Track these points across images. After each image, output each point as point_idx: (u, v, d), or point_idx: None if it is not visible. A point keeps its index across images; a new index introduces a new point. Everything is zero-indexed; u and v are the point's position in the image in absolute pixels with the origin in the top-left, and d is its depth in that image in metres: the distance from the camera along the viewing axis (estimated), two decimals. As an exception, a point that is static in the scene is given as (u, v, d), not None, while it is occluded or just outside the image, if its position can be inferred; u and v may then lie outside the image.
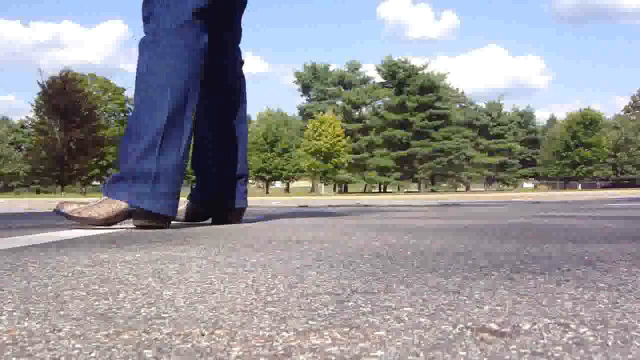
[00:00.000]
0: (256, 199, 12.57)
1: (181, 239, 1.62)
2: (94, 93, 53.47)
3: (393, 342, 0.51)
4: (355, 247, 1.33)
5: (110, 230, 2.06)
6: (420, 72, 54.72)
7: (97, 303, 0.71)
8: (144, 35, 2.13)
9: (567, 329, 0.55)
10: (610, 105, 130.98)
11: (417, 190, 55.71)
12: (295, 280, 0.87)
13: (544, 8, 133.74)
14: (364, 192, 53.87)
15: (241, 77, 2.51)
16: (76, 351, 0.50)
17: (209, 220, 2.50)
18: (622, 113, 67.21)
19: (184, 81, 2.07)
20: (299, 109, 58.27)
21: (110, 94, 58.46)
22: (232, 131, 2.44)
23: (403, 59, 55.46)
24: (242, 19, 2.51)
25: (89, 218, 2.04)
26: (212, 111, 2.42)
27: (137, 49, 2.13)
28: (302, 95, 58.24)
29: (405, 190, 55.74)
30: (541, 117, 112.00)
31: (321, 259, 1.12)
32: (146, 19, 2.13)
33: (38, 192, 55.08)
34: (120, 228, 2.11)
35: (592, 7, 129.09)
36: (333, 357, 0.47)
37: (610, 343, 0.50)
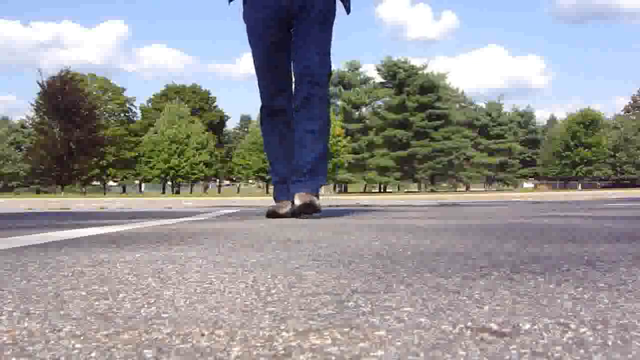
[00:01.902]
0: (256, 198, 12.56)
1: (181, 239, 1.62)
2: (94, 93, 53.49)
3: (393, 342, 0.51)
4: (355, 247, 1.33)
5: (110, 230, 2.07)
6: (420, 72, 54.70)
7: (97, 303, 0.71)
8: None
9: (567, 329, 0.55)
10: (610, 105, 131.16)
11: (417, 190, 55.70)
12: (295, 280, 0.87)
13: (544, 8, 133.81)
14: (364, 192, 53.87)
15: None
16: (76, 351, 0.50)
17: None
18: (622, 113, 67.23)
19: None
20: (299, 109, 58.03)
21: (110, 94, 58.47)
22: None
23: (403, 59, 55.47)
24: None
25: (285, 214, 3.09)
26: None
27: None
28: (302, 95, 58.24)
29: (405, 190, 55.74)
30: (541, 117, 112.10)
31: (321, 258, 1.12)
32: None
33: (38, 192, 55.09)
34: (126, 228, 2.11)
35: (592, 7, 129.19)
36: (333, 357, 0.47)
37: (610, 343, 0.50)
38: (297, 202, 2.85)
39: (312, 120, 3.08)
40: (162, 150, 49.90)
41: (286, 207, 3.10)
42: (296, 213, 2.90)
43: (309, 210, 2.86)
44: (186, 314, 0.64)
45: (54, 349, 0.50)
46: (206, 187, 63.38)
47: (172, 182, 52.98)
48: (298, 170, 3.10)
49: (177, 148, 50.13)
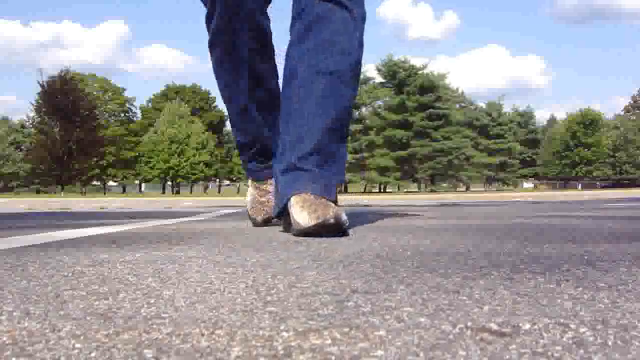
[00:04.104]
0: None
1: (181, 239, 1.62)
2: (94, 93, 53.54)
3: (393, 342, 0.51)
4: (355, 248, 1.33)
5: (110, 230, 2.07)
6: (420, 72, 54.69)
7: (97, 303, 0.71)
8: None
9: (567, 329, 0.55)
10: (610, 105, 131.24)
11: (417, 190, 55.71)
12: (295, 280, 0.87)
13: (545, 8, 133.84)
14: (364, 192, 53.85)
15: None
16: (76, 351, 0.50)
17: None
18: (622, 113, 67.25)
19: None
20: (299, 109, 58.00)
21: (110, 94, 58.53)
22: None
23: (403, 59, 55.46)
24: None
25: None
26: None
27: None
28: (302, 95, 58.21)
29: (405, 190, 55.73)
30: (541, 117, 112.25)
31: (321, 259, 1.12)
32: None
33: (38, 192, 55.10)
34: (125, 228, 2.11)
35: (592, 8, 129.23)
36: (333, 357, 0.47)
37: (610, 343, 0.50)
38: (303, 218, 1.54)
39: (327, 54, 1.72)
40: (162, 150, 49.93)
41: (263, 211, 2.03)
42: (301, 234, 1.55)
43: (326, 231, 1.51)
44: (186, 314, 0.64)
45: (54, 349, 0.50)
46: (206, 187, 63.39)
47: (172, 182, 53.01)
48: (296, 145, 1.70)
49: (177, 148, 50.17)
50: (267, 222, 2.08)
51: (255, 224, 2.10)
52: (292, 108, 1.75)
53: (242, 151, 2.12)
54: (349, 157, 47.46)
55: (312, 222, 1.52)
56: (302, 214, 1.55)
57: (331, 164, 1.72)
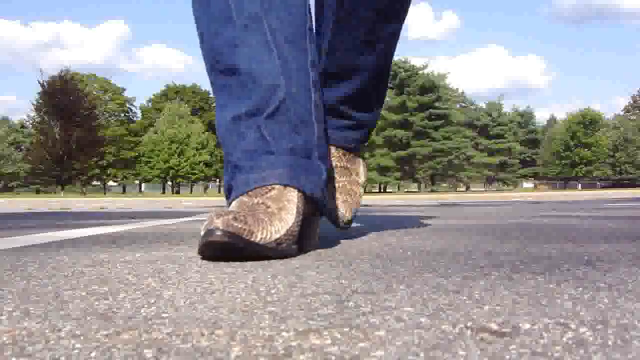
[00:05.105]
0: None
1: (181, 239, 1.62)
2: (94, 93, 53.56)
3: (393, 342, 0.51)
4: (355, 248, 1.33)
5: (110, 230, 2.07)
6: (420, 72, 54.72)
7: (97, 303, 0.71)
8: None
9: (567, 329, 0.55)
10: (610, 105, 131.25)
11: (417, 190, 55.74)
12: (295, 280, 0.87)
13: (545, 8, 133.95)
14: (364, 192, 53.86)
15: None
16: (76, 351, 0.50)
17: None
18: (622, 113, 67.30)
19: None
20: (299, 109, 57.96)
21: (110, 94, 58.57)
22: None
23: (403, 59, 55.46)
24: None
25: None
26: None
27: None
28: (302, 95, 58.15)
29: (405, 190, 55.76)
30: (541, 117, 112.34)
31: (321, 259, 1.12)
32: None
33: (38, 192, 55.13)
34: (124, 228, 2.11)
35: (592, 7, 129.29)
36: (333, 357, 0.47)
37: (610, 343, 0.50)
38: None
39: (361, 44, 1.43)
40: (162, 150, 49.96)
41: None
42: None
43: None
44: (186, 314, 0.64)
45: (54, 349, 0.50)
46: (206, 187, 63.41)
47: (172, 182, 53.03)
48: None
49: (177, 148, 50.20)
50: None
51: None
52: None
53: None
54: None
55: None
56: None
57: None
